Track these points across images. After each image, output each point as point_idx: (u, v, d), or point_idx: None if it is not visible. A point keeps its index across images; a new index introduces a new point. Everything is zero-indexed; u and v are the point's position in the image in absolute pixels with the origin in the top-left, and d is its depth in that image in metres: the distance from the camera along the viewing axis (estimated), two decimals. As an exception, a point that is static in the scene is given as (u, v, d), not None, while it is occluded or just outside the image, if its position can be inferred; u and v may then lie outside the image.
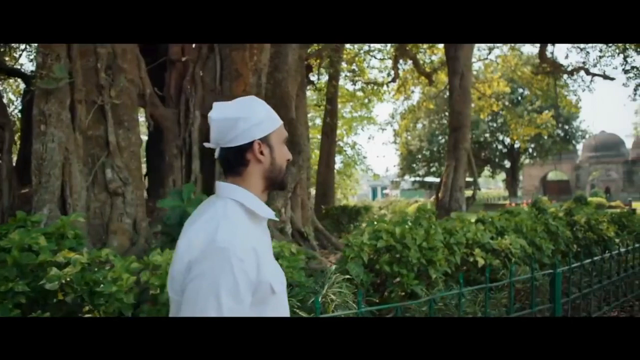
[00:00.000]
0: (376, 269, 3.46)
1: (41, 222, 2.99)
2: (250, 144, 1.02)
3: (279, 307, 1.05)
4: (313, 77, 12.17)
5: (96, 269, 2.54)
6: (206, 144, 1.07)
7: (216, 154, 1.06)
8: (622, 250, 4.29)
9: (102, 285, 2.36)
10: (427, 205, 4.73)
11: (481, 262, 3.96)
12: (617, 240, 5.97)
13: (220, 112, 1.02)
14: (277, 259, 3.20)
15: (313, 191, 21.20)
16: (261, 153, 1.04)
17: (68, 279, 2.37)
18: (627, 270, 4.31)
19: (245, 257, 0.92)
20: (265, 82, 5.80)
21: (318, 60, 11.71)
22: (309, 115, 24.61)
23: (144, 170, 8.25)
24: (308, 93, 16.55)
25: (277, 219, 1.08)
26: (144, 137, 8.46)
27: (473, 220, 4.74)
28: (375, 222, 3.87)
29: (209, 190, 5.96)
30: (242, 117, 1.01)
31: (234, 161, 1.04)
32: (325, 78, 14.48)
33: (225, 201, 1.01)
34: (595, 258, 3.81)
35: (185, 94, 6.05)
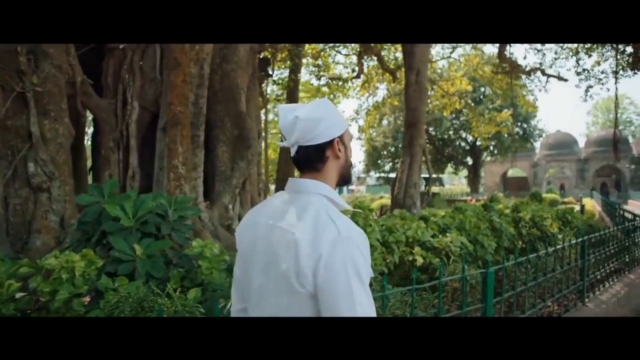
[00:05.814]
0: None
1: None
2: (331, 141, 1.10)
3: None
4: (272, 71, 11.86)
5: (-23, 275, 2.25)
6: (280, 144, 1.13)
7: (292, 152, 1.11)
8: (559, 246, 4.33)
9: (-22, 294, 2.08)
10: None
11: (420, 260, 3.89)
12: (559, 236, 6.10)
13: (305, 112, 1.07)
14: (197, 259, 2.99)
15: (273, 187, 20.95)
16: (339, 150, 1.13)
17: (-63, 288, 2.08)
18: (563, 266, 4.36)
19: (365, 244, 1.02)
20: (208, 73, 5.51)
21: (274, 52, 11.43)
22: (271, 109, 24.16)
23: (89, 164, 7.76)
24: (270, 87, 16.20)
25: (353, 209, 1.23)
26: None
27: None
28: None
29: (148, 185, 5.63)
30: (324, 117, 1.09)
31: (316, 158, 1.11)
32: (287, 72, 14.22)
33: (316, 196, 1.08)
34: (531, 255, 3.81)
35: (123, 84, 5.67)
